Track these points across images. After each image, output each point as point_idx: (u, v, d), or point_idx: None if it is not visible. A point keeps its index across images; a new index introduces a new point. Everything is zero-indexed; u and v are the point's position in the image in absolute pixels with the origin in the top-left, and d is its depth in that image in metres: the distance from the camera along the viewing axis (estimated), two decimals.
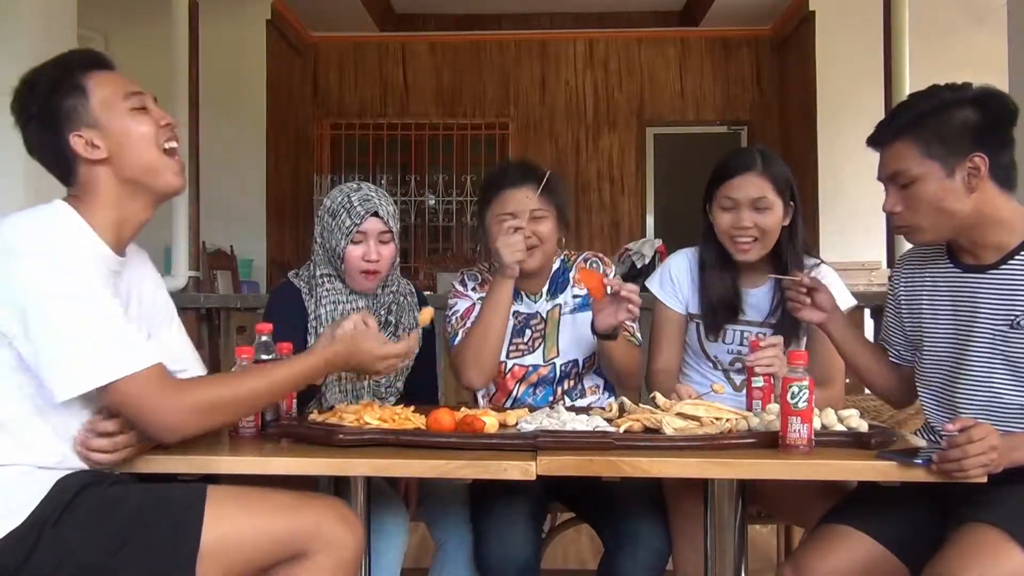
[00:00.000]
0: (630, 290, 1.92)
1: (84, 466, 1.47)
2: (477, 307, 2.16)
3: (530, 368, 2.16)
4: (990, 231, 1.67)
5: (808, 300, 1.88)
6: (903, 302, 1.86)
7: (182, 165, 1.61)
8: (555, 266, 2.22)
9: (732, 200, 2.04)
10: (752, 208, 2.03)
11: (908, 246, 1.92)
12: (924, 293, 1.80)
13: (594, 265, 2.21)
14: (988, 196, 1.64)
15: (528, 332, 2.17)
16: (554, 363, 2.16)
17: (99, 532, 1.38)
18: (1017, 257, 1.65)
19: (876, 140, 1.72)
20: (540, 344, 2.17)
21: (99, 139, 1.53)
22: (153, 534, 1.39)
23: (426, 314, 1.90)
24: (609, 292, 1.93)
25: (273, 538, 1.44)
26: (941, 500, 1.64)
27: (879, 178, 1.73)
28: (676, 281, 2.19)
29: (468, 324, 2.15)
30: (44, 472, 1.43)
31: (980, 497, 1.53)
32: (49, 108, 1.52)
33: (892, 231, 1.79)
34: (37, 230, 1.43)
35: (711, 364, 2.18)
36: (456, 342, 2.16)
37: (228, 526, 1.42)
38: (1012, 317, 1.64)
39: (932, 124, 1.63)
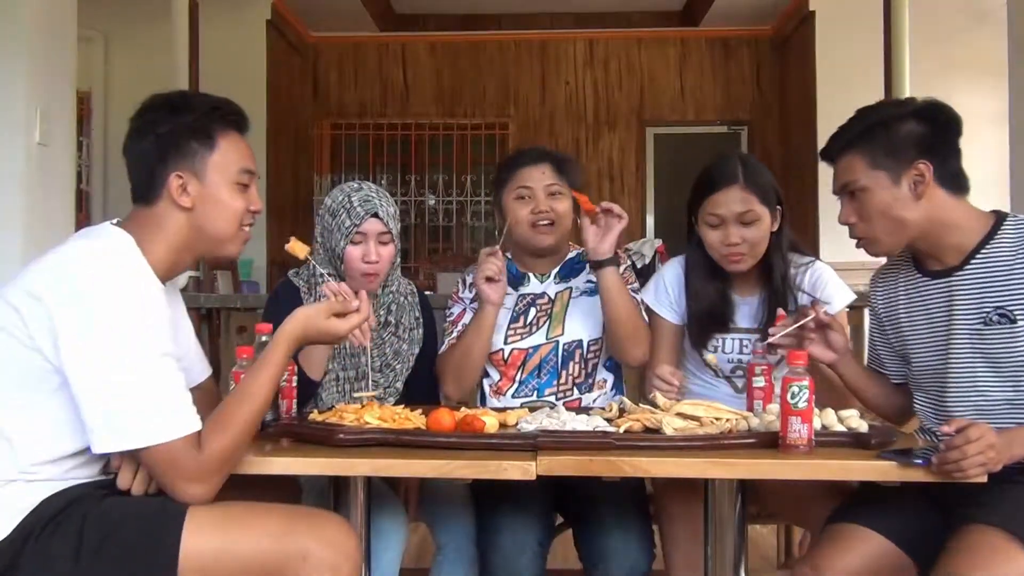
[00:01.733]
0: (609, 205, 2.04)
1: (78, 481, 1.46)
2: (468, 313, 2.20)
3: (530, 350, 2.17)
4: (946, 235, 1.71)
5: (813, 336, 1.83)
6: (884, 318, 1.89)
7: (247, 238, 1.64)
8: (571, 254, 2.25)
9: (718, 216, 2.01)
10: (739, 223, 1.99)
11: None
12: (900, 305, 1.83)
13: None
14: (938, 202, 1.69)
15: (532, 311, 2.19)
16: (557, 341, 2.17)
17: (79, 547, 1.37)
18: (977, 256, 1.70)
19: (827, 154, 1.79)
20: (545, 322, 2.18)
21: (194, 190, 1.54)
22: (128, 554, 1.37)
23: (297, 248, 1.85)
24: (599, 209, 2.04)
25: (256, 565, 1.40)
26: (956, 496, 1.62)
27: (833, 191, 1.80)
28: (670, 291, 2.16)
29: (457, 330, 2.18)
30: (37, 488, 1.42)
31: (983, 497, 1.54)
32: (174, 136, 1.54)
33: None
34: (105, 273, 1.40)
35: (712, 372, 2.16)
36: (443, 349, 2.19)
37: (206, 549, 1.38)
38: (984, 314, 1.68)
39: (878, 136, 1.70)
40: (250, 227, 1.64)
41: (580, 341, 2.17)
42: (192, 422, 1.40)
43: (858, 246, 1.81)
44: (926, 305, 1.78)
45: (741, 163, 2.03)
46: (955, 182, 1.71)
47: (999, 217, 1.72)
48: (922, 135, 1.68)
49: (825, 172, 1.83)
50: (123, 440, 1.38)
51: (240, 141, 1.61)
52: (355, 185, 2.07)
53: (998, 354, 1.67)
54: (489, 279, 2.06)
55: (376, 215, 2.01)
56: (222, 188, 1.57)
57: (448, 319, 2.24)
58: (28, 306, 1.39)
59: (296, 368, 1.81)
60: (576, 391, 2.17)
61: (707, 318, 2.10)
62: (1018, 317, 1.64)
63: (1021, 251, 1.67)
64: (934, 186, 1.68)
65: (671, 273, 2.19)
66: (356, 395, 1.95)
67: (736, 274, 2.09)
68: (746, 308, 2.12)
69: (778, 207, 2.05)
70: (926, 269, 1.78)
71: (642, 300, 2.19)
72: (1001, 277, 1.67)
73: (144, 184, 1.56)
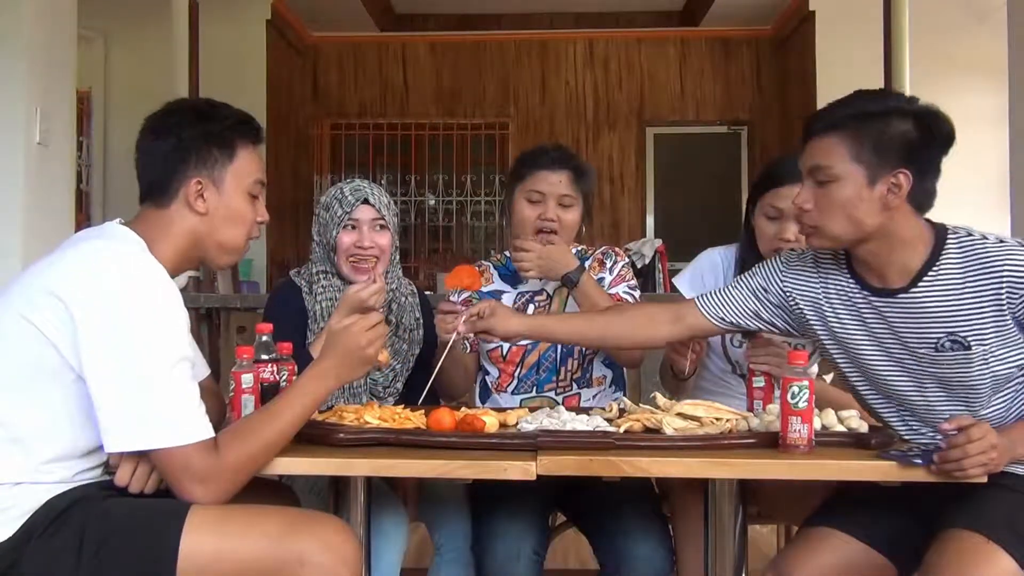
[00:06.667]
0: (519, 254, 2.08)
1: (84, 480, 1.46)
2: (461, 317, 2.19)
3: (528, 347, 2.17)
4: (894, 252, 1.61)
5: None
6: (789, 295, 1.77)
7: (247, 249, 1.68)
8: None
9: (777, 210, 2.01)
10: (796, 221, 1.93)
11: None
12: (826, 305, 1.72)
13: (608, 256, 2.27)
14: (900, 217, 1.58)
15: (531, 309, 2.19)
16: None
17: (80, 547, 1.37)
18: (925, 278, 1.60)
19: (809, 130, 1.63)
20: None
21: (210, 197, 1.57)
22: (129, 554, 1.37)
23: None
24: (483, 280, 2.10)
25: (253, 568, 1.39)
26: (927, 498, 1.61)
27: (799, 167, 1.67)
28: (705, 279, 2.15)
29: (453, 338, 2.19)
30: (44, 489, 1.42)
31: (965, 501, 1.53)
32: (196, 142, 1.56)
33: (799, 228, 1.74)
34: (131, 277, 1.41)
35: (731, 367, 2.15)
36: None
37: (205, 549, 1.37)
38: (934, 340, 1.60)
39: (870, 127, 1.56)
40: (255, 238, 1.66)
41: None
42: (205, 429, 1.41)
43: (801, 231, 1.71)
44: (862, 319, 1.68)
45: None
46: (924, 200, 1.60)
47: (940, 233, 1.62)
48: (914, 141, 1.55)
49: None
50: (137, 441, 1.38)
51: (255, 153, 1.64)
52: (348, 181, 2.12)
53: (951, 377, 1.61)
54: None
55: (367, 201, 2.04)
56: (236, 197, 1.60)
57: None
58: (47, 304, 1.39)
59: (296, 369, 1.80)
60: (575, 386, 2.18)
61: None
62: (972, 343, 1.57)
63: (968, 273, 1.58)
64: (904, 199, 1.57)
65: (711, 263, 2.19)
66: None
67: None
68: None
69: None
70: (864, 282, 1.67)
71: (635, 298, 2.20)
72: (951, 301, 1.58)
73: (160, 186, 1.57)
